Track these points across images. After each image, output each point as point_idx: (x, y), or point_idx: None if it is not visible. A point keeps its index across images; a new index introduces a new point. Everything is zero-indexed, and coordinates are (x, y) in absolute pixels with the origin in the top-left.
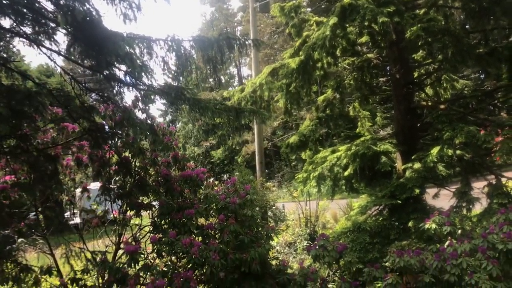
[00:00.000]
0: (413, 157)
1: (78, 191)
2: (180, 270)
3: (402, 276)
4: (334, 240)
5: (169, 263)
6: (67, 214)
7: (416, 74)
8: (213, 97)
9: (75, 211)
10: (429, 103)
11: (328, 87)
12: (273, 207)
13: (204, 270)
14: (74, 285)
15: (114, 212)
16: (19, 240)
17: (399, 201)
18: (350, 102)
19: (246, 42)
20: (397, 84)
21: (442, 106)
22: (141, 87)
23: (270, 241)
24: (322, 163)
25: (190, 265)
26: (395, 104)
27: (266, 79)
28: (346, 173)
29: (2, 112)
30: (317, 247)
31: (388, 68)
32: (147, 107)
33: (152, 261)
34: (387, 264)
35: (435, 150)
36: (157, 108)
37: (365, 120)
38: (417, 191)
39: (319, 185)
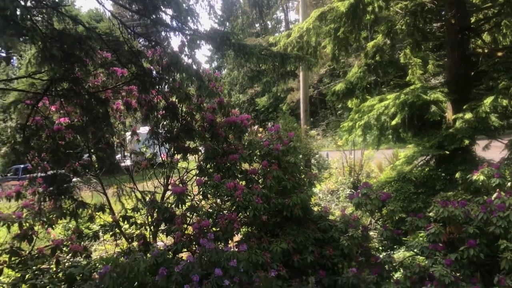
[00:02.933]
0: (464, 107)
1: (128, 134)
2: (224, 212)
3: (446, 226)
4: (378, 189)
5: (214, 205)
6: (118, 156)
7: (473, 19)
8: (258, 43)
9: (125, 153)
10: (485, 51)
11: (379, 33)
12: (317, 155)
13: (247, 213)
14: (126, 222)
15: (162, 155)
16: (74, 179)
17: (447, 152)
18: (401, 49)
19: None
20: (452, 29)
21: (499, 54)
22: (187, 32)
23: (313, 188)
24: (369, 111)
25: (234, 207)
26: (449, 51)
27: (314, 24)
28: (393, 123)
29: (55, 54)
30: (359, 195)
31: (443, 12)
32: (193, 53)
33: (198, 202)
34: (430, 214)
35: (488, 100)
36: (203, 54)
37: (416, 67)
38: (467, 142)
39: (365, 134)
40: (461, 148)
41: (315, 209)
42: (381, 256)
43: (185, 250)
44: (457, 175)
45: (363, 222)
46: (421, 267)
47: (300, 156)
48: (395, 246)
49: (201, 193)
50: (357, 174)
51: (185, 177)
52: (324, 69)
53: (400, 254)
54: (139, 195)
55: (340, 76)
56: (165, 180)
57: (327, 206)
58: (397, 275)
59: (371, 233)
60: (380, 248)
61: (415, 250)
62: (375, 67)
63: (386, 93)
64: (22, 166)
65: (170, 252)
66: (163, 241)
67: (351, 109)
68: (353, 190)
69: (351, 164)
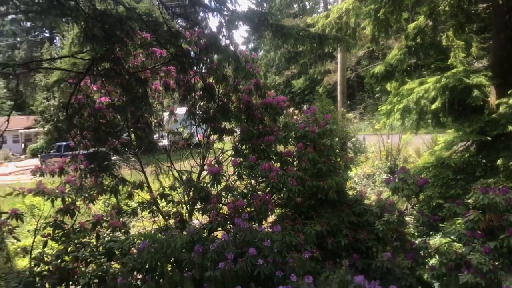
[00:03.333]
0: (509, 92)
1: (165, 114)
2: (259, 193)
3: (485, 214)
4: (415, 174)
5: (249, 186)
6: (155, 136)
7: None
8: (296, 24)
9: (163, 133)
10: None
11: (420, 14)
12: (353, 139)
13: (282, 195)
14: (163, 200)
15: (198, 135)
16: (114, 157)
17: (489, 138)
18: (443, 31)
19: None
20: (498, 10)
21: None
22: (225, 12)
23: (348, 172)
24: (408, 95)
25: (269, 188)
26: (494, 33)
27: (353, 4)
28: (433, 107)
29: (97, 34)
30: (396, 179)
31: None
32: (230, 33)
33: (233, 183)
34: (469, 201)
35: None
36: (240, 35)
37: (458, 50)
38: (511, 127)
39: (403, 118)
40: (504, 134)
41: (350, 192)
42: (416, 241)
43: (220, 229)
44: (499, 162)
45: (399, 207)
46: (457, 254)
47: (336, 139)
48: (431, 232)
49: (236, 173)
50: (394, 158)
51: (220, 157)
52: (363, 51)
53: (436, 240)
54: (176, 174)
55: (379, 58)
56: (201, 160)
57: (363, 190)
58: (433, 261)
59: (407, 218)
60: (416, 234)
61: (452, 237)
62: (416, 49)
63: (426, 76)
64: (64, 143)
65: (205, 231)
66: (199, 219)
67: (390, 92)
68: (389, 175)
69: (388, 149)
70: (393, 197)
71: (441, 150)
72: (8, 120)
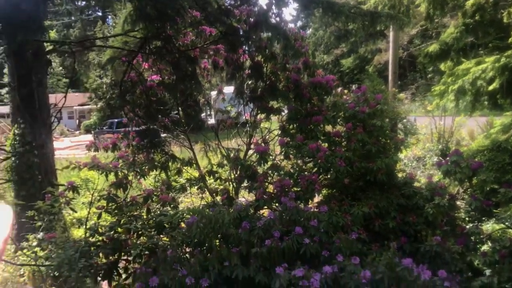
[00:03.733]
0: None
1: (213, 93)
2: (305, 173)
3: None
4: (469, 157)
5: (295, 165)
6: (203, 115)
7: None
8: (347, 1)
9: (211, 112)
10: None
11: None
12: (404, 120)
13: (329, 175)
14: (211, 176)
15: (246, 114)
16: (164, 134)
17: None
18: (505, 7)
19: None
20: None
21: None
22: None
23: (398, 153)
24: (464, 75)
25: (316, 169)
26: None
27: None
28: (490, 88)
29: (149, 13)
30: (449, 162)
31: None
32: (280, 11)
33: (280, 162)
34: None
35: None
36: (289, 13)
37: None
38: None
39: (458, 100)
40: None
41: (400, 175)
42: (467, 226)
43: (266, 207)
44: None
45: (450, 191)
46: None
47: (387, 120)
48: (483, 218)
49: (283, 153)
50: (446, 141)
51: (267, 137)
52: (416, 30)
53: (488, 226)
54: (223, 152)
55: (433, 37)
56: (248, 139)
57: (412, 172)
58: (485, 247)
59: (458, 202)
60: (467, 218)
61: (507, 223)
62: (474, 27)
63: (483, 56)
64: (116, 120)
65: (251, 208)
66: (245, 197)
67: (443, 73)
68: (441, 158)
69: (440, 131)
70: (444, 180)
71: (498, 133)
72: (65, 97)
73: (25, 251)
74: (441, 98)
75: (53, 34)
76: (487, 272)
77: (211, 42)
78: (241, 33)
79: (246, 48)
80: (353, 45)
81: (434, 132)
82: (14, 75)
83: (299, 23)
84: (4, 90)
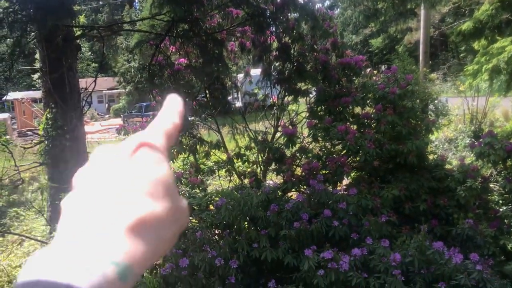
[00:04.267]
0: None
1: (240, 76)
2: (334, 155)
3: None
4: (503, 139)
5: (324, 148)
6: (230, 97)
7: None
8: None
9: (238, 95)
10: None
11: None
12: (435, 101)
13: (358, 158)
14: (239, 159)
15: (273, 97)
16: (192, 117)
17: None
18: None
19: None
20: None
21: None
22: None
23: (429, 135)
24: (499, 54)
25: (344, 151)
26: None
27: None
28: None
29: None
30: (482, 144)
31: None
32: None
33: (308, 144)
34: None
35: None
36: None
37: None
38: None
39: (491, 79)
40: None
41: (431, 157)
42: (501, 210)
43: (294, 190)
44: None
45: (483, 174)
46: None
47: (418, 100)
48: None
49: (311, 135)
50: (479, 122)
51: (295, 119)
52: (448, 7)
53: None
54: (251, 135)
55: (466, 15)
56: (276, 121)
57: (444, 154)
58: None
59: (491, 185)
60: (501, 201)
61: None
62: (510, 4)
63: None
64: (144, 104)
65: (279, 191)
66: (273, 180)
67: (477, 52)
68: (473, 139)
69: (473, 112)
70: (477, 162)
71: None
72: (95, 81)
73: None
74: (474, 78)
75: (82, 19)
76: None
77: (238, 24)
78: (268, 14)
79: (273, 30)
80: (383, 25)
81: (467, 113)
82: (45, 60)
83: (327, 3)
84: (36, 76)
